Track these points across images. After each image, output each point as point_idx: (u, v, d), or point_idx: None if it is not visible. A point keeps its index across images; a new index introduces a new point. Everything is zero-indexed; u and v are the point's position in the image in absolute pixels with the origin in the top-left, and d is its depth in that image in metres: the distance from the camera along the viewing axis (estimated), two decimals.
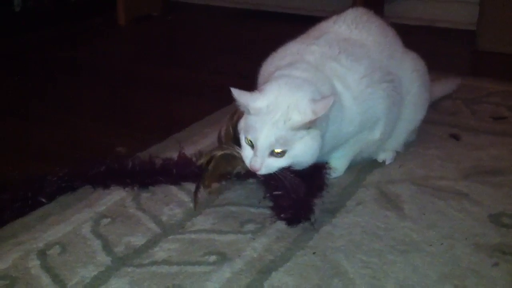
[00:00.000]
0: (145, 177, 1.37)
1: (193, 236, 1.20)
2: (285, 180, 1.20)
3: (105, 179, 1.37)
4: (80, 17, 3.06)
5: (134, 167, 1.38)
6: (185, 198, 1.33)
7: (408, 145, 1.54)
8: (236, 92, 1.20)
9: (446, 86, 1.85)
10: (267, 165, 1.19)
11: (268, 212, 1.25)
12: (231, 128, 1.32)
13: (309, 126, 1.17)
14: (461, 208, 1.27)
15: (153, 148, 1.57)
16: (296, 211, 1.20)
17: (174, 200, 1.33)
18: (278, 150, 1.17)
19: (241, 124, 1.24)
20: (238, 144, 1.25)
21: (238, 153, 1.25)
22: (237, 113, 1.31)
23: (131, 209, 1.29)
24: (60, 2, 3.05)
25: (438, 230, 1.20)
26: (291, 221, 1.21)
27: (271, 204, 1.25)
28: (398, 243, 1.16)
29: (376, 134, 1.37)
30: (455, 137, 1.61)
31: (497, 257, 1.11)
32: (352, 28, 1.41)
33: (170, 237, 1.19)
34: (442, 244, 1.15)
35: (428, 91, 1.50)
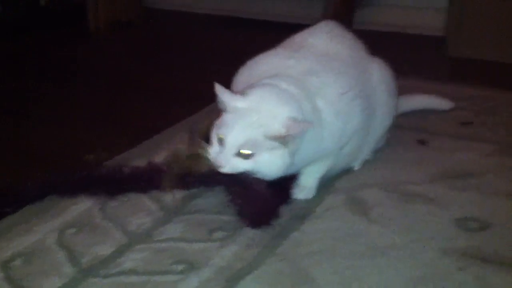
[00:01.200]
0: (113, 185, 1.35)
1: (161, 245, 1.18)
2: (248, 183, 1.19)
3: (72, 189, 1.34)
4: (51, 26, 3.01)
5: (102, 176, 1.36)
6: (154, 206, 1.32)
7: (376, 150, 1.55)
8: (219, 89, 1.19)
9: (439, 103, 1.86)
10: (232, 164, 1.18)
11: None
12: (205, 126, 1.30)
13: (279, 140, 1.16)
14: (428, 213, 1.29)
15: (122, 156, 1.55)
16: (258, 214, 1.20)
17: (142, 208, 1.31)
18: (245, 152, 1.17)
19: (216, 122, 1.22)
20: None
21: (207, 151, 1.23)
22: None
23: (98, 219, 1.27)
24: (31, 10, 3.00)
25: (405, 234, 1.21)
26: (253, 224, 1.20)
27: (236, 209, 1.24)
28: (367, 248, 1.16)
29: (346, 149, 1.36)
30: (422, 142, 1.63)
31: (463, 261, 1.12)
32: (327, 42, 1.40)
33: (138, 246, 1.18)
34: (410, 248, 1.16)
35: (395, 98, 1.51)
